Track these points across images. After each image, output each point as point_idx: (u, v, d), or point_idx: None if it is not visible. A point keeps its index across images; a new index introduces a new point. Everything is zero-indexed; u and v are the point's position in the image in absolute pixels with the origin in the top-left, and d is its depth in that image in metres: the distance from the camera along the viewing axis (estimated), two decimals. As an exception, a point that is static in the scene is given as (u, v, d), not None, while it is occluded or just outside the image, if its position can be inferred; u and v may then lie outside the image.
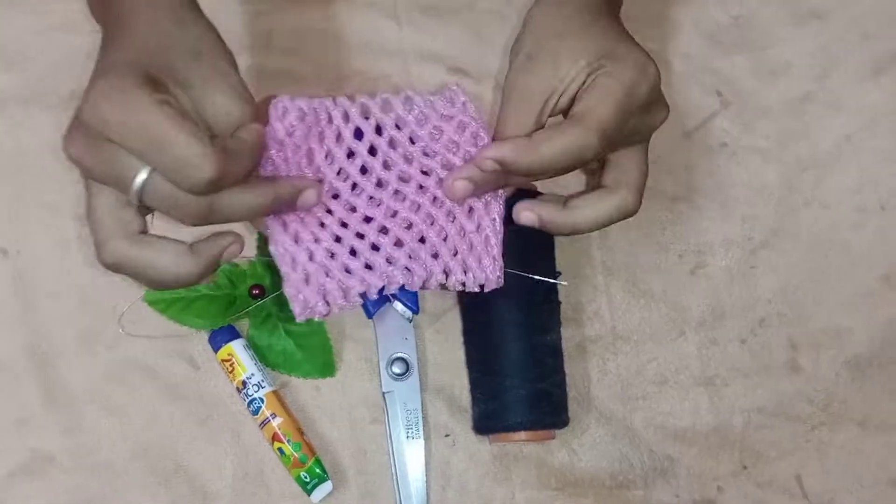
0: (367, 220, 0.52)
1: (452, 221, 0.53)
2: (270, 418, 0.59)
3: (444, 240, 0.52)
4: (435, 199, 0.53)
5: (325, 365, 0.62)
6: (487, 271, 0.52)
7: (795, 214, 0.67)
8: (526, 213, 0.53)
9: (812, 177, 0.67)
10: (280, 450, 0.59)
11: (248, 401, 0.60)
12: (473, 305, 0.62)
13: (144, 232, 0.47)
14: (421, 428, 0.61)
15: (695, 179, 0.67)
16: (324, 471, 0.60)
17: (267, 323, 0.62)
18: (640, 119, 0.52)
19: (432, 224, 0.53)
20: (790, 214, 0.67)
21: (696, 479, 0.62)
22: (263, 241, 0.59)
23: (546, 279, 0.59)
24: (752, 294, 0.65)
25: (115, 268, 0.47)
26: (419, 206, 0.53)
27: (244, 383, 0.60)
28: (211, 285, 0.61)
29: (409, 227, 0.52)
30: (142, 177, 0.44)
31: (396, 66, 0.68)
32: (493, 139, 0.52)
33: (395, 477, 0.60)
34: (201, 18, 0.50)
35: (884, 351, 0.64)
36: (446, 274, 0.52)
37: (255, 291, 0.61)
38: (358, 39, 0.68)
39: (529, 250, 0.60)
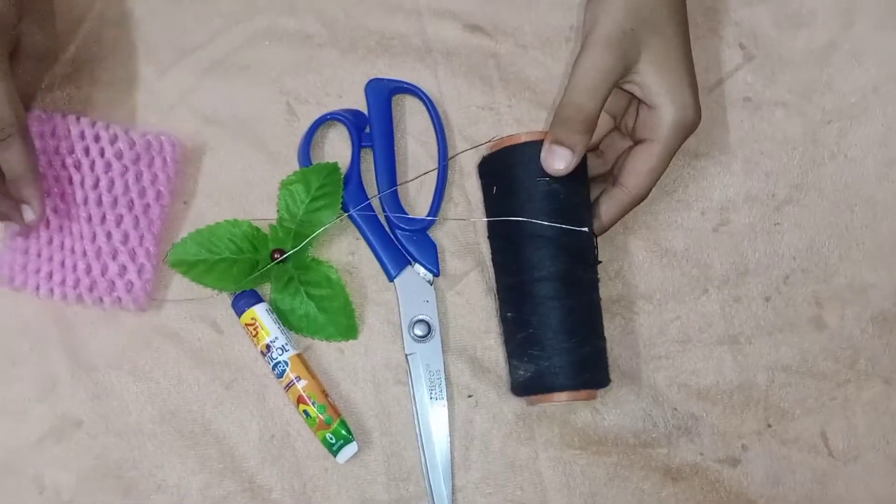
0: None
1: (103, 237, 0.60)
2: (295, 381, 0.60)
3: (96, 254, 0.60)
4: (90, 218, 0.60)
5: (347, 328, 0.62)
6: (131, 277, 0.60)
7: (820, 168, 0.66)
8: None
9: (836, 129, 0.66)
10: (305, 412, 0.60)
11: (272, 364, 0.60)
12: (522, 264, 0.59)
13: None
14: (444, 389, 0.61)
15: (718, 135, 0.66)
16: (349, 432, 0.60)
17: (289, 287, 0.62)
18: None
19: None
20: (814, 169, 0.66)
21: (720, 437, 0.62)
22: None
23: (570, 226, 0.57)
24: (776, 250, 0.65)
25: None
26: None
27: (268, 347, 0.60)
28: (233, 248, 0.61)
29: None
30: None
31: (412, 24, 0.67)
32: (562, 105, 0.56)
33: (419, 437, 0.61)
34: None
35: (910, 306, 0.64)
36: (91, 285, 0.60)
37: (277, 255, 0.61)
38: (373, -2, 0.67)
39: (575, 203, 0.59)
